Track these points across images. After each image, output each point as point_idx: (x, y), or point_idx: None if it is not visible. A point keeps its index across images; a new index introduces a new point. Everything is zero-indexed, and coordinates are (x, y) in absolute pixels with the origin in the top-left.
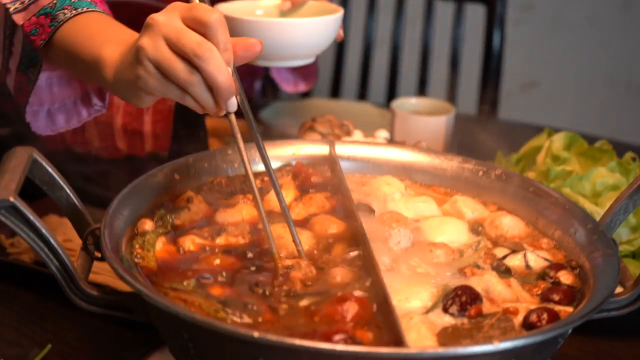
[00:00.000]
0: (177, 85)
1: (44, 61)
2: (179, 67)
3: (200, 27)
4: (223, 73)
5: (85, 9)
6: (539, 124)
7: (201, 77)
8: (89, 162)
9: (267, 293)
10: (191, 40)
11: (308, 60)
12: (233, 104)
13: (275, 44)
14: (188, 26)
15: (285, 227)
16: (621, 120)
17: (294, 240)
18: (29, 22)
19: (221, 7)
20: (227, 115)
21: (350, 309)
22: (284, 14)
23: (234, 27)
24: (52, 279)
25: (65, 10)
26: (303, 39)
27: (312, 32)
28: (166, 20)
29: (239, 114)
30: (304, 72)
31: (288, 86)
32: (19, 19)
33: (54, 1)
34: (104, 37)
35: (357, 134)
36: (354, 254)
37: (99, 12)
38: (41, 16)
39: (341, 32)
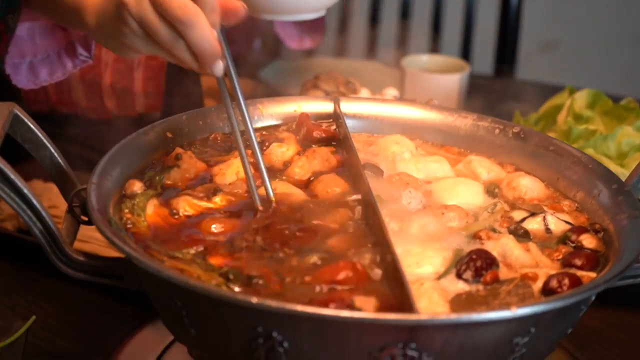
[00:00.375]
0: (162, 46)
1: (22, 6)
2: (162, 32)
3: None
4: (208, 40)
5: None
6: (560, 83)
7: (185, 43)
8: (76, 123)
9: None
10: (175, 3)
11: (318, 14)
12: (219, 68)
13: None
14: None
15: (287, 184)
16: None
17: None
18: None
19: None
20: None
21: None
22: None
23: None
24: (36, 248)
25: None
26: None
27: None
28: None
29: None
30: (310, 27)
31: (293, 42)
32: None
33: None
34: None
35: (364, 92)
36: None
37: None
38: None
39: None
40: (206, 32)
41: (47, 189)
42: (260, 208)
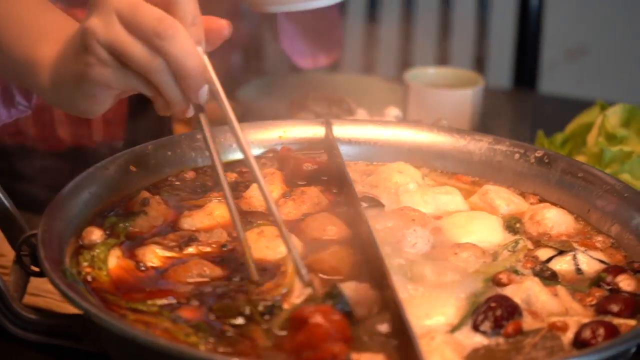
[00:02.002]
0: (137, 74)
1: None
2: (137, 50)
3: None
4: (192, 55)
5: None
6: (589, 97)
7: (165, 62)
8: (23, 156)
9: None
10: (149, 15)
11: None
12: (204, 93)
13: None
14: None
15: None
16: None
17: (289, 253)
18: None
19: None
20: (196, 112)
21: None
22: None
23: None
24: None
25: None
26: None
27: None
28: None
29: None
30: (325, 41)
31: (304, 61)
32: None
33: None
34: (43, 30)
35: (361, 113)
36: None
37: None
38: None
39: None
40: (188, 45)
41: None
42: (256, 278)
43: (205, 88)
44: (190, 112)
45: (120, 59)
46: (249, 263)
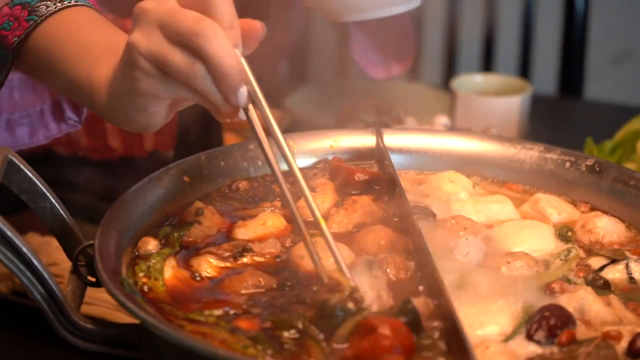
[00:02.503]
0: (180, 82)
1: (14, 66)
2: (177, 57)
3: (198, 3)
4: (229, 54)
5: (72, 2)
6: (637, 103)
7: (204, 66)
8: (75, 166)
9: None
10: (187, 17)
11: (412, 4)
12: (243, 95)
13: None
14: (185, 6)
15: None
16: None
17: (336, 261)
18: (1, 13)
19: None
20: (245, 111)
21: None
22: None
23: None
24: (35, 312)
25: (48, 2)
26: None
27: None
28: (156, 3)
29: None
30: (398, 50)
31: (377, 71)
32: None
33: None
34: (98, 50)
35: (410, 122)
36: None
37: (88, 6)
38: (17, 6)
39: None
40: (225, 45)
41: (45, 244)
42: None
43: (244, 89)
44: (242, 115)
45: (163, 69)
46: (315, 263)
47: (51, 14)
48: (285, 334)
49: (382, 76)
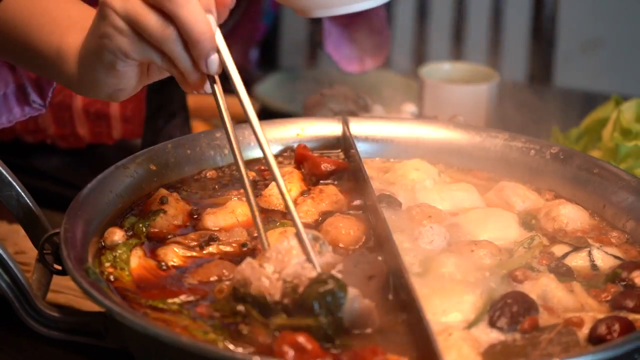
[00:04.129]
0: (151, 44)
1: None
2: (150, 19)
3: None
4: (201, 21)
5: None
6: (604, 90)
7: (177, 31)
8: (43, 154)
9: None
10: None
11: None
12: (214, 62)
13: None
14: None
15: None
16: None
17: (305, 252)
18: None
19: None
20: (211, 84)
21: None
22: None
23: None
24: (1, 301)
25: None
26: None
27: None
28: None
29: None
30: (372, 44)
31: (351, 65)
32: None
33: None
34: (66, 23)
35: (377, 109)
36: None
37: None
38: None
39: None
40: (197, 11)
41: (12, 232)
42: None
43: (215, 56)
44: (208, 88)
45: (136, 29)
46: (260, 232)
47: None
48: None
49: (355, 70)
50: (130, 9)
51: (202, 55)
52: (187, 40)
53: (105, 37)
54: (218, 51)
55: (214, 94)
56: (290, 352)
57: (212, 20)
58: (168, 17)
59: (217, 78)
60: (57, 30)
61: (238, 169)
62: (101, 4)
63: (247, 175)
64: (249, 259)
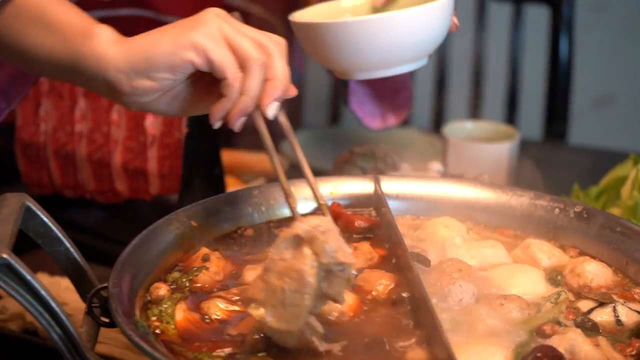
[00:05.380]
0: (233, 56)
1: None
2: (250, 40)
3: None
4: (285, 68)
5: None
6: (619, 148)
7: (264, 60)
8: (83, 208)
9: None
10: (253, 37)
11: (420, 63)
12: (275, 107)
13: (377, 48)
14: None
15: None
16: None
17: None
18: None
19: (296, 15)
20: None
21: None
22: (377, 11)
23: (321, 35)
24: (46, 351)
25: None
26: (408, 36)
27: (421, 25)
28: (224, 17)
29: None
30: (395, 101)
31: (373, 121)
32: None
33: None
34: (79, 28)
35: (405, 168)
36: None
37: None
38: None
39: (455, 20)
40: (285, 62)
41: (54, 284)
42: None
43: (276, 105)
44: (240, 124)
45: (231, 40)
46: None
47: None
48: None
49: (378, 126)
50: (231, 24)
51: (272, 91)
52: (269, 72)
53: (191, 30)
54: None
55: (258, 126)
56: None
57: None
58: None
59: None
60: (73, 36)
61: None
62: (191, 42)
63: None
64: None
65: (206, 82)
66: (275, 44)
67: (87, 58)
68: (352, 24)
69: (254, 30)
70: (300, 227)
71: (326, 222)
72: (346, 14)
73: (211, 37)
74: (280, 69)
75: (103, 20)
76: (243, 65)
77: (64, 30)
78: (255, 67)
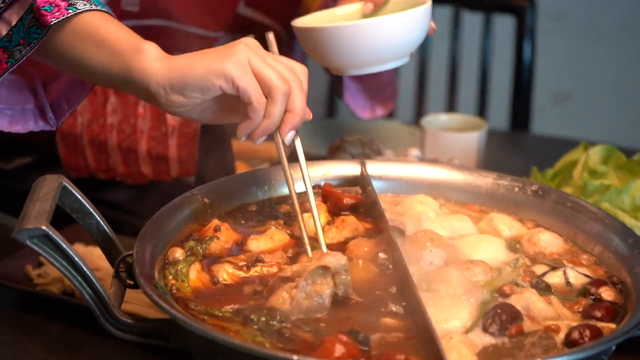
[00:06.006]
0: (259, 85)
1: (40, 51)
2: (275, 72)
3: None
4: (303, 101)
5: (104, 9)
6: (574, 137)
7: (288, 91)
8: (114, 188)
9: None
10: (279, 68)
11: (403, 61)
12: (292, 136)
13: (365, 48)
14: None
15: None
16: None
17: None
18: None
19: (297, 21)
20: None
21: None
22: (367, 16)
23: (320, 37)
24: (82, 309)
25: (85, 2)
26: (393, 38)
27: (404, 28)
28: (255, 48)
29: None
30: (382, 95)
31: (364, 112)
32: None
33: None
34: (130, 45)
35: (388, 153)
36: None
37: (111, 14)
38: None
39: (433, 24)
40: (305, 96)
41: (88, 253)
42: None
43: (293, 132)
44: (261, 141)
45: (258, 69)
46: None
47: (87, 11)
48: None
49: (368, 116)
50: (262, 53)
51: (290, 125)
52: (289, 104)
53: (225, 58)
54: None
55: (277, 147)
56: (338, 350)
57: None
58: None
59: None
60: (125, 50)
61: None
62: (221, 70)
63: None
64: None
65: (233, 100)
66: (296, 79)
67: (135, 71)
68: (346, 28)
69: (279, 61)
70: (330, 262)
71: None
72: (340, 20)
73: (240, 66)
74: (299, 102)
75: (132, 29)
76: (267, 93)
77: (116, 46)
78: (279, 96)
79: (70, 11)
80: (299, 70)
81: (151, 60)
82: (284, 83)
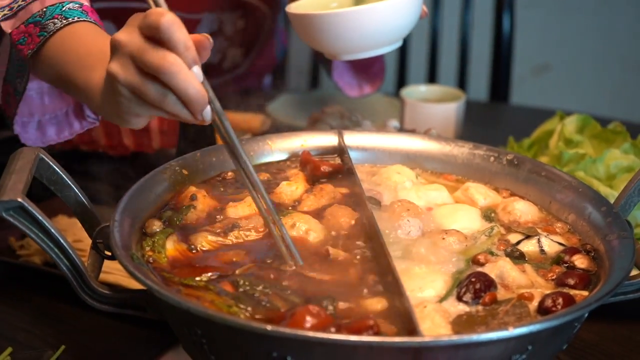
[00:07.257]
0: (156, 107)
1: (31, 73)
2: (150, 90)
3: (156, 34)
4: (192, 85)
5: (76, 19)
6: (552, 107)
7: (173, 95)
8: (97, 160)
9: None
10: (153, 56)
11: (396, 45)
12: (208, 113)
13: (359, 34)
14: (147, 36)
15: (306, 216)
16: (635, 102)
17: (286, 245)
18: (18, 31)
19: (291, 7)
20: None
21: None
22: (359, 2)
23: (314, 24)
24: (63, 280)
25: (56, 20)
26: (387, 24)
27: (396, 15)
28: (127, 38)
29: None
30: (369, 74)
31: (352, 91)
32: (7, 26)
33: (44, 9)
34: (95, 59)
35: (367, 124)
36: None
37: (90, 22)
38: (30, 24)
39: (425, 8)
40: (189, 77)
41: (71, 224)
42: (291, 266)
43: (208, 109)
44: (208, 121)
45: (140, 98)
46: (281, 249)
47: (57, 30)
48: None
49: (356, 94)
50: (130, 80)
51: (197, 111)
52: (183, 101)
53: (118, 104)
54: (210, 102)
55: (216, 127)
56: (309, 320)
57: (198, 71)
58: (164, 85)
59: (216, 118)
60: (86, 66)
61: (242, 176)
62: (109, 76)
63: (251, 178)
64: None
65: None
66: (170, 64)
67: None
68: (341, 15)
69: (148, 54)
70: None
71: None
72: (333, 5)
73: (124, 98)
74: (186, 90)
75: (115, 11)
76: (161, 109)
77: (79, 63)
78: (169, 108)
79: (40, 38)
80: (165, 31)
81: (99, 78)
82: (163, 96)
